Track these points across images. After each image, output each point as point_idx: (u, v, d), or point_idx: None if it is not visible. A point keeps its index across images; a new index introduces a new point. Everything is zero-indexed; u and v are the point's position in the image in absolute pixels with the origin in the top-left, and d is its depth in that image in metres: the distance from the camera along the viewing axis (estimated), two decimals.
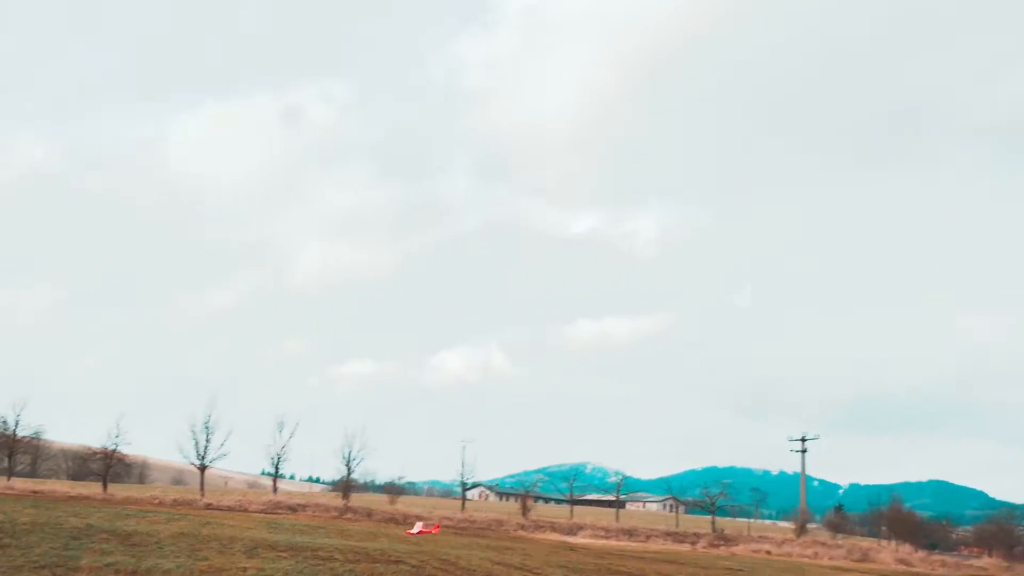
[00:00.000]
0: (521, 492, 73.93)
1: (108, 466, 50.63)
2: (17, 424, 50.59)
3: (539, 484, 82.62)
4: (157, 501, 46.24)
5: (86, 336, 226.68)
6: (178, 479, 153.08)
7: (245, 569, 18.24)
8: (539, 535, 50.38)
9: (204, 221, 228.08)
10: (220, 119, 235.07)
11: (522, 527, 54.55)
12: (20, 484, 47.82)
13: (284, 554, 22.63)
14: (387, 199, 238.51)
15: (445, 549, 30.28)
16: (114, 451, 50.40)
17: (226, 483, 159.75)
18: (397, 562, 23.36)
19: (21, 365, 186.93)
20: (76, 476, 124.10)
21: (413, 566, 22.75)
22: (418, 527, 40.75)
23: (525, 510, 62.38)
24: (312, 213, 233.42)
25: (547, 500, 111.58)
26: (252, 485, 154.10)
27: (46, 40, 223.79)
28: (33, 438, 54.33)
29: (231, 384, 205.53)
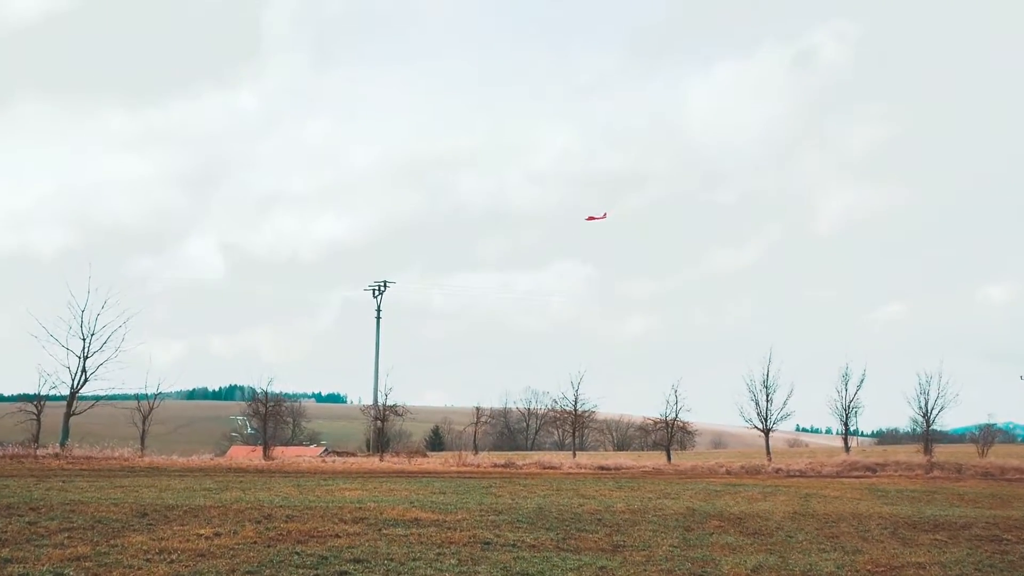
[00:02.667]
0: None
1: (671, 436, 49.25)
2: (576, 399, 51.41)
3: None
4: (724, 470, 43.51)
5: (618, 306, 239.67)
6: (717, 441, 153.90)
7: (921, 567, 13.42)
8: None
9: (723, 179, 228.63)
10: (731, 76, 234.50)
11: None
12: (585, 459, 48.07)
13: (940, 536, 17.43)
14: (904, 136, 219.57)
15: None
16: (675, 420, 48.93)
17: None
18: None
19: (570, 339, 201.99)
20: (620, 446, 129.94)
21: None
22: None
23: None
24: (831, 158, 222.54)
25: None
26: (792, 444, 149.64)
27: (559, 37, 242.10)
28: (592, 411, 55.03)
29: (761, 339, 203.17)
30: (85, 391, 44.47)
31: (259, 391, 52.78)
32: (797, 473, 42.21)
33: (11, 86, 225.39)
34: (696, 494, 24.98)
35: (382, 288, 63.08)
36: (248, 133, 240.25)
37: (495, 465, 41.77)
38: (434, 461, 45.92)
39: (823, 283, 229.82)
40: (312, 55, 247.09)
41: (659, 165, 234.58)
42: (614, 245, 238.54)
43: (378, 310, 63.25)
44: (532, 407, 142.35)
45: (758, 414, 49.70)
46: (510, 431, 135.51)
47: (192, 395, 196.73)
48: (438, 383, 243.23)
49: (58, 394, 44.76)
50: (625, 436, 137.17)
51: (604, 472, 40.23)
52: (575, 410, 51.69)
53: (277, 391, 52.53)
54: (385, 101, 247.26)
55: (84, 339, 43.94)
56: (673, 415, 48.89)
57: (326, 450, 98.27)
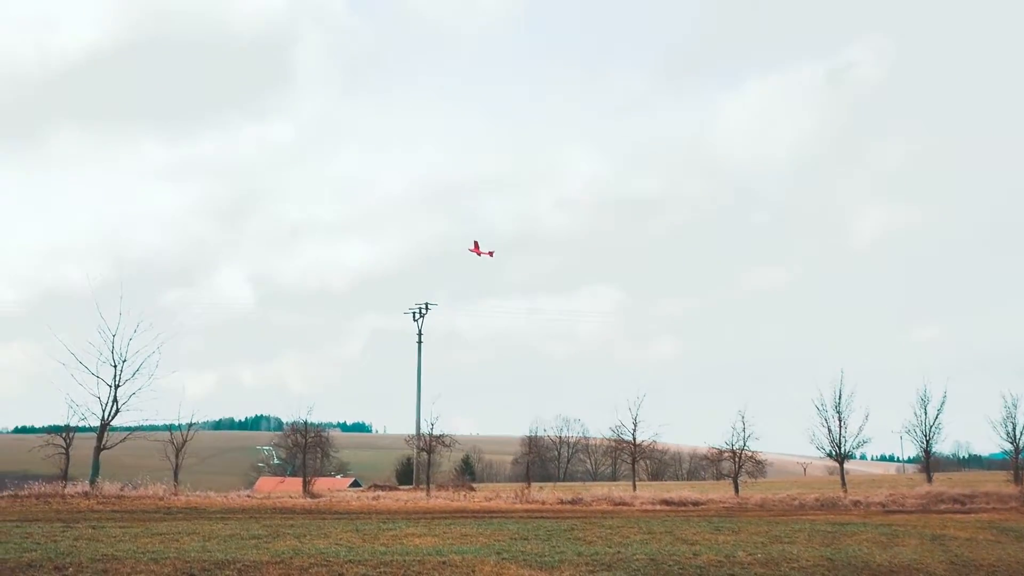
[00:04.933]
0: None
1: (739, 466, 45.93)
2: (635, 426, 48.24)
3: None
4: (798, 503, 40.23)
5: (648, 330, 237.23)
6: (756, 469, 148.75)
7: None
8: None
9: (758, 200, 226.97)
10: (765, 94, 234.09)
11: None
12: (647, 493, 44.65)
13: None
14: (939, 151, 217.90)
15: None
16: (743, 450, 45.68)
17: (804, 470, 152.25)
18: None
19: (600, 364, 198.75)
20: (654, 475, 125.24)
21: None
22: None
23: None
24: (867, 175, 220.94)
25: None
26: (831, 471, 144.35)
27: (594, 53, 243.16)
28: (652, 442, 51.74)
29: (797, 360, 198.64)
30: (116, 422, 41.93)
31: (287, 422, 49.89)
32: (880, 507, 38.85)
33: (48, 119, 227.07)
34: (810, 537, 21.80)
35: (423, 311, 60.06)
36: (280, 164, 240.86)
37: (561, 501, 38.52)
38: (491, 497, 42.72)
39: (858, 302, 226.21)
40: (342, 86, 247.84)
41: (691, 185, 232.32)
42: (644, 268, 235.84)
43: (419, 334, 60.21)
44: (563, 435, 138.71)
45: (831, 441, 46.02)
46: (541, 460, 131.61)
47: (219, 425, 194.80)
48: (464, 411, 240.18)
49: (88, 425, 42.34)
50: (661, 464, 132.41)
51: (677, 508, 36.97)
52: (634, 440, 48.27)
53: (305, 420, 49.26)
54: (414, 129, 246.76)
55: (115, 365, 41.53)
56: (741, 444, 45.54)
57: (355, 482, 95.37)
